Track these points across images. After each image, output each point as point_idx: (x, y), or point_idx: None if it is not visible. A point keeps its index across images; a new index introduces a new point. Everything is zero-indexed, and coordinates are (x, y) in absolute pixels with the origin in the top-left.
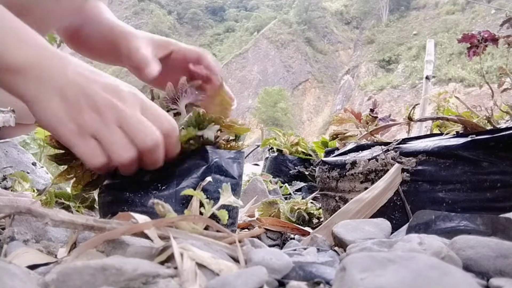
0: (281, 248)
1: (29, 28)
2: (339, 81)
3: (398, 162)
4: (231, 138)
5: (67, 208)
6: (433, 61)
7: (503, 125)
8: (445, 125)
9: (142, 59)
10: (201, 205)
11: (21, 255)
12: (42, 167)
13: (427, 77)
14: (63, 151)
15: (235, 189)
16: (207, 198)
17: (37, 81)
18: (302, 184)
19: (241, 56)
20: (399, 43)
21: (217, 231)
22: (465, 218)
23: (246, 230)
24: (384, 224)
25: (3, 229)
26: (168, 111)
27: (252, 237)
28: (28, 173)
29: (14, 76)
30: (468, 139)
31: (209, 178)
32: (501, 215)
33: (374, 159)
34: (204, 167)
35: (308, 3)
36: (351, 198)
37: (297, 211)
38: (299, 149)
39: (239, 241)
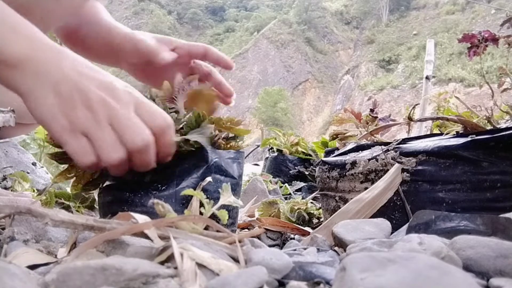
0: (281, 248)
1: (27, 22)
2: (339, 81)
3: (398, 162)
4: (230, 135)
5: (67, 208)
6: (433, 61)
7: (503, 125)
8: (445, 125)
9: (151, 49)
10: (201, 205)
11: (21, 255)
12: (42, 167)
13: (427, 77)
14: (63, 150)
15: (235, 189)
16: (207, 198)
17: (34, 75)
18: (302, 184)
19: (241, 56)
20: (399, 43)
21: (217, 231)
22: (465, 218)
23: (246, 230)
24: (384, 224)
25: (3, 229)
26: (166, 110)
27: (252, 237)
28: (28, 173)
29: (11, 70)
30: (468, 139)
31: (209, 178)
32: (501, 215)
33: (374, 159)
34: (204, 167)
35: (308, 3)
36: (351, 198)
37: (297, 211)
38: (299, 149)
39: (239, 241)
